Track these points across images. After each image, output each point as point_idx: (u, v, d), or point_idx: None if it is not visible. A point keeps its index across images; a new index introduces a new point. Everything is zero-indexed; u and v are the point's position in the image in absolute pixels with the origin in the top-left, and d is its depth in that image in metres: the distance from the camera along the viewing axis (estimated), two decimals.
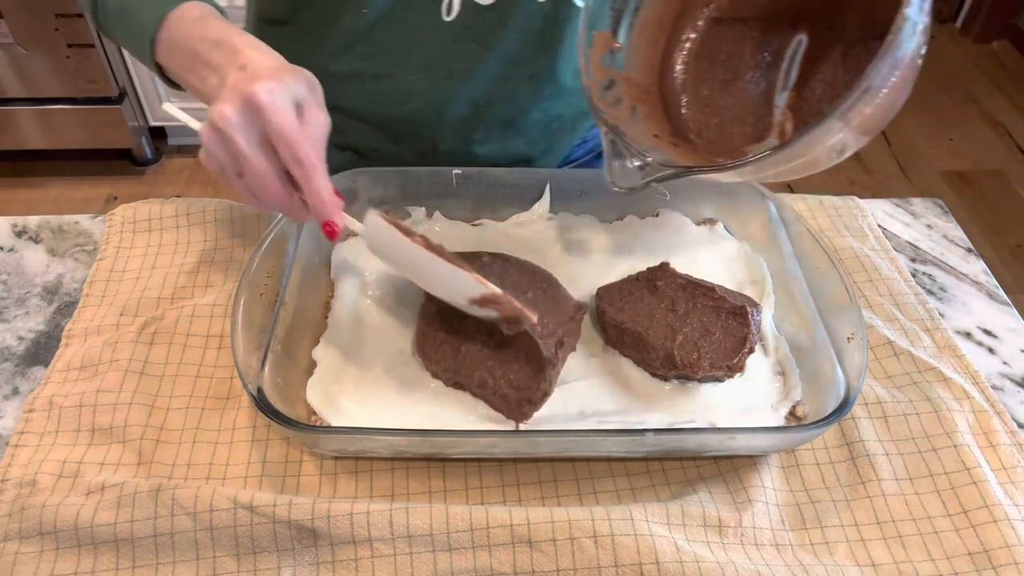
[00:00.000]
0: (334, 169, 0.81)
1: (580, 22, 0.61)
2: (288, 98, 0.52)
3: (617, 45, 0.62)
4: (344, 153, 0.83)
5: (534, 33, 0.72)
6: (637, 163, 0.56)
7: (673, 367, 0.60)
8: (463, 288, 0.58)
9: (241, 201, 0.73)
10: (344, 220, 0.57)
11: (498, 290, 0.57)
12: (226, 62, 0.55)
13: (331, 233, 0.56)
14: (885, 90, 0.43)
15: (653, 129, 0.60)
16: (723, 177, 0.53)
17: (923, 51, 0.44)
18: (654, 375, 0.62)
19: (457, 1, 0.68)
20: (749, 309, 0.62)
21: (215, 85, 0.55)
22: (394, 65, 0.73)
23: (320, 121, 0.54)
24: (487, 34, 0.71)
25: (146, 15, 0.60)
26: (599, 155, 0.94)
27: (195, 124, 0.57)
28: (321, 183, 0.54)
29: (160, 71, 0.62)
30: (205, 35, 0.57)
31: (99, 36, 1.93)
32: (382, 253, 0.61)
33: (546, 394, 0.59)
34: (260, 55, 0.55)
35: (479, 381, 0.59)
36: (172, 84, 0.63)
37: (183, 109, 0.62)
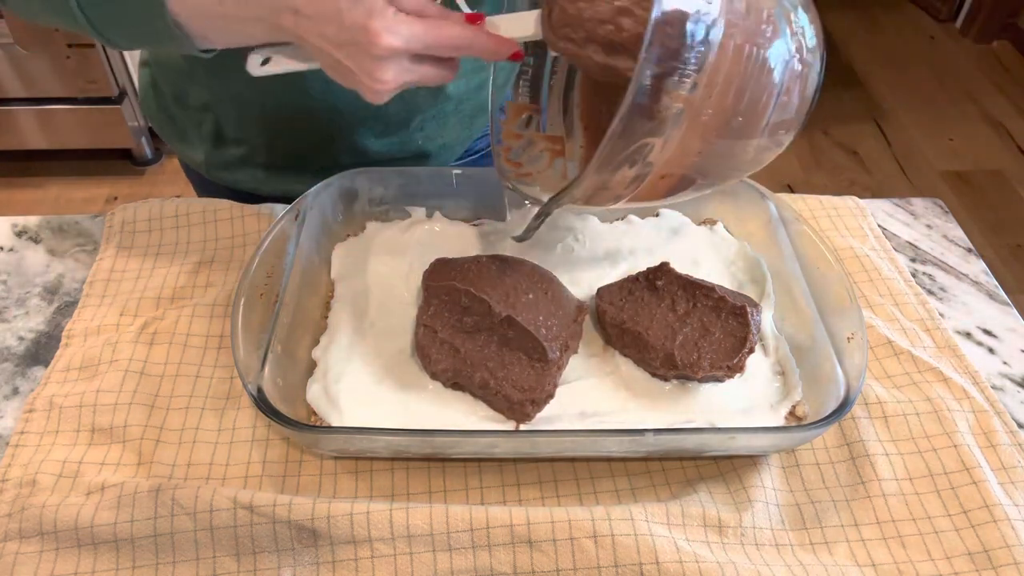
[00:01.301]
0: (224, 163, 0.83)
1: (488, 97, 0.65)
2: (393, 16, 0.52)
3: (536, 107, 0.67)
4: (238, 148, 0.82)
5: None
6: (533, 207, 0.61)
7: (673, 367, 0.60)
8: None
9: None
10: (515, 37, 0.57)
11: None
12: (279, 15, 0.53)
13: (518, 58, 0.57)
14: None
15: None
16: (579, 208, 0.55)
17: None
18: (654, 375, 0.62)
19: None
20: (749, 309, 0.62)
21: (280, 36, 0.55)
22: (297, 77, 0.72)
23: None
24: None
25: None
26: None
27: (305, 67, 0.58)
28: (484, 42, 0.55)
29: (176, 28, 0.57)
30: None
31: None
32: None
33: (549, 396, 0.59)
34: None
35: (480, 382, 0.59)
36: (182, 45, 0.59)
37: (275, 57, 0.59)
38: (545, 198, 0.58)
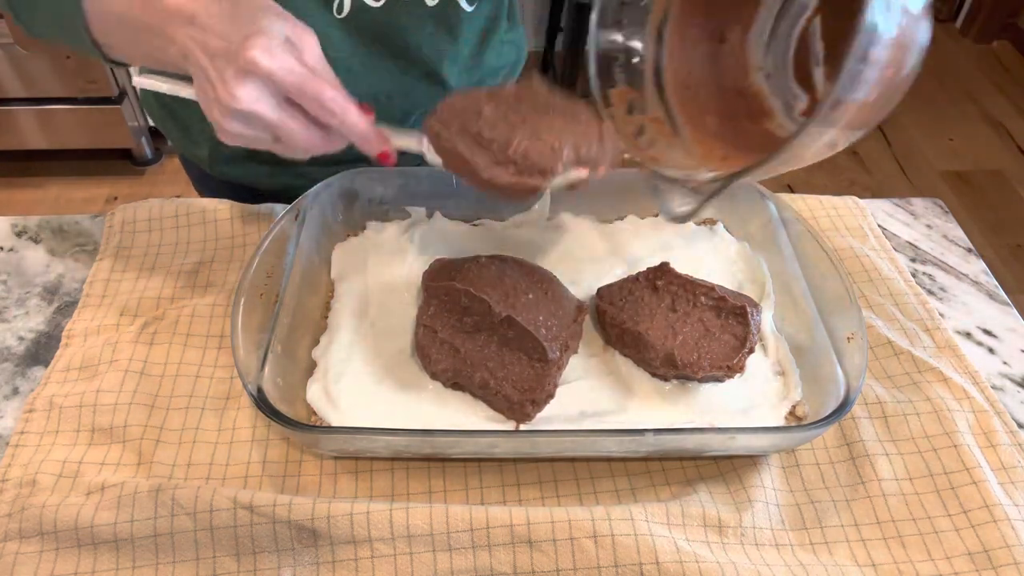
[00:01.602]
0: (228, 158, 0.83)
1: (594, 88, 0.62)
2: (282, 47, 0.50)
3: (635, 91, 0.63)
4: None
5: (426, 35, 0.74)
6: (686, 190, 0.58)
7: (673, 367, 0.60)
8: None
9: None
10: (394, 143, 0.57)
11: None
12: (174, 24, 0.52)
13: (386, 159, 0.56)
14: (858, 95, 0.43)
15: (695, 151, 0.61)
16: (754, 177, 0.53)
17: (917, 31, 0.44)
18: (654, 375, 0.62)
19: (347, 1, 0.70)
20: (749, 309, 0.62)
21: (177, 54, 0.52)
22: None
23: (312, 44, 0.53)
24: (379, 32, 0.73)
25: None
26: None
27: (183, 91, 0.56)
28: (355, 119, 0.53)
29: (99, 49, 0.58)
30: None
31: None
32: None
33: (550, 396, 0.59)
34: (207, 6, 0.52)
35: (480, 382, 0.59)
36: (116, 63, 0.60)
37: (154, 75, 0.58)
38: (682, 176, 0.57)
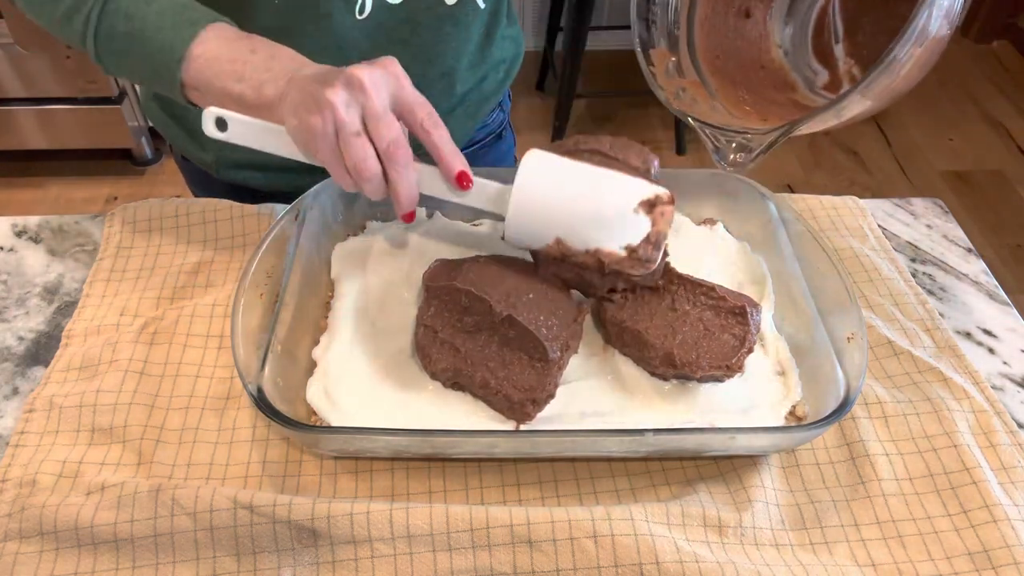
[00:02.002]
0: (236, 161, 0.85)
1: (636, 47, 0.64)
2: (383, 77, 0.56)
3: (673, 58, 0.66)
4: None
5: (443, 34, 0.76)
6: (739, 143, 0.60)
7: (672, 366, 0.60)
8: (637, 191, 0.58)
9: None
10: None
11: (665, 191, 0.58)
12: (284, 70, 0.59)
13: (464, 179, 0.59)
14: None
15: (735, 113, 0.63)
16: (813, 126, 0.54)
17: None
18: (653, 374, 0.62)
19: (368, 1, 0.71)
20: (749, 309, 0.62)
21: (272, 95, 0.58)
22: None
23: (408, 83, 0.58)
24: (399, 32, 0.74)
25: (172, 35, 0.61)
26: (499, 135, 0.98)
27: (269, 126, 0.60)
28: (409, 181, 0.57)
29: (180, 88, 0.63)
30: (256, 47, 0.61)
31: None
32: (536, 194, 0.59)
33: (550, 395, 0.59)
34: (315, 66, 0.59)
35: (481, 381, 0.59)
36: (187, 102, 0.64)
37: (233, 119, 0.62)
38: (732, 129, 0.59)
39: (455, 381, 0.61)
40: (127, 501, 0.53)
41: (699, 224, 0.77)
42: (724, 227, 0.76)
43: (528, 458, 0.59)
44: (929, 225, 0.84)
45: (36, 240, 0.79)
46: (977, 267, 0.79)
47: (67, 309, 0.71)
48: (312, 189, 0.70)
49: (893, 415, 0.62)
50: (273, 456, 0.59)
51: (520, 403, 0.58)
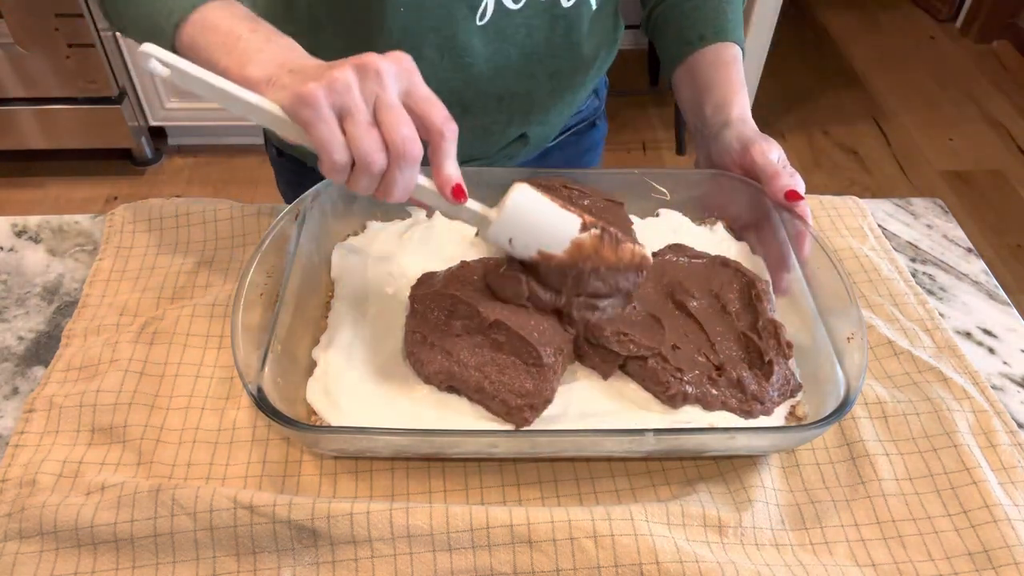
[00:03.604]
0: None
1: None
2: (396, 64, 0.52)
3: None
4: None
5: (557, 36, 0.76)
6: None
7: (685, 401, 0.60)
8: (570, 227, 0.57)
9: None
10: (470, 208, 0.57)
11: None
12: (275, 55, 0.54)
13: (459, 193, 0.55)
14: None
15: None
16: None
17: None
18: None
19: (490, 6, 0.71)
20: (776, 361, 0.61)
21: (255, 76, 0.54)
22: (431, 64, 0.74)
23: (420, 79, 0.54)
24: (515, 35, 0.74)
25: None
26: (592, 123, 0.98)
27: (214, 80, 0.53)
28: (410, 171, 0.52)
29: (173, 51, 0.59)
30: (257, 28, 0.57)
31: (99, 29, 1.93)
32: (509, 229, 0.58)
33: (548, 401, 0.58)
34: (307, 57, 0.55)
35: (476, 386, 0.58)
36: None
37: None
38: None
39: (449, 385, 0.60)
40: (127, 501, 0.53)
41: (699, 224, 0.77)
42: (724, 227, 0.76)
43: (528, 458, 0.59)
44: (929, 225, 0.84)
45: (36, 240, 0.79)
46: (977, 267, 0.79)
47: (67, 309, 0.71)
48: (312, 189, 0.70)
49: (893, 415, 0.62)
50: (273, 456, 0.59)
51: (518, 408, 0.57)
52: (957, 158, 2.40)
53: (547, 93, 0.81)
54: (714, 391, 0.59)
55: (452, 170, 0.54)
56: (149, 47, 0.52)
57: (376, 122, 0.51)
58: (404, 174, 0.52)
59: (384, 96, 0.50)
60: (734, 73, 0.77)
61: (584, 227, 0.57)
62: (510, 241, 0.58)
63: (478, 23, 0.72)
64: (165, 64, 0.52)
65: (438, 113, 0.52)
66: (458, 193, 0.54)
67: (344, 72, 0.49)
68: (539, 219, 0.57)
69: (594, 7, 0.77)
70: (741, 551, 0.53)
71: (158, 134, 2.29)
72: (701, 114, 0.77)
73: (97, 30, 1.92)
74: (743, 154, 0.70)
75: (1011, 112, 2.58)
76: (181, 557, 0.52)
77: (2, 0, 1.83)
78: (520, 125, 0.83)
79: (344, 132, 0.50)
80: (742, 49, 0.79)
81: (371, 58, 0.50)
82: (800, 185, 0.67)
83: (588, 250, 0.58)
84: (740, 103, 0.74)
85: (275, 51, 0.55)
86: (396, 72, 0.51)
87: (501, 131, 0.83)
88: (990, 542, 0.54)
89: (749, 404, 0.59)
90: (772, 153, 0.69)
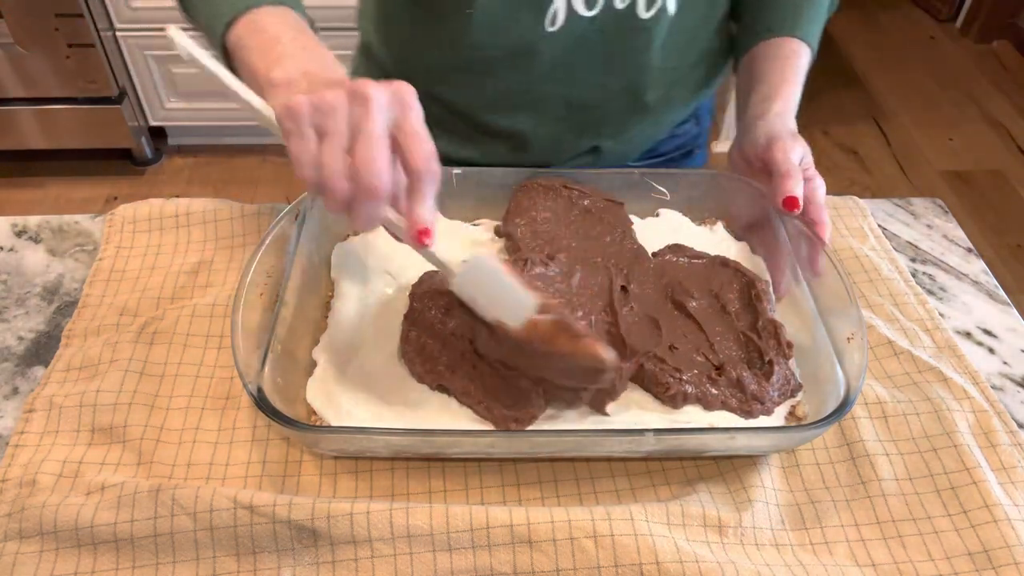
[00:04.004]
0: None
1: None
2: (388, 97, 0.50)
3: None
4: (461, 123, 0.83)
5: (632, 46, 0.75)
6: None
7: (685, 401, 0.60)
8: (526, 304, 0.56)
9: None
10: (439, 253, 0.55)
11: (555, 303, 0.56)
12: (305, 64, 0.54)
13: (424, 236, 0.51)
14: None
15: None
16: None
17: None
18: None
19: (562, 13, 0.71)
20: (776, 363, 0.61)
21: (277, 78, 0.54)
22: (499, 66, 0.75)
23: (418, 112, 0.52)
24: (588, 43, 0.73)
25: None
26: (689, 152, 0.95)
27: (224, 75, 0.54)
28: (367, 194, 0.49)
29: (221, 49, 0.61)
30: (299, 36, 0.58)
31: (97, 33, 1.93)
32: (471, 288, 0.57)
33: (534, 418, 0.58)
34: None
35: (462, 389, 0.58)
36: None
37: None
38: None
39: (439, 384, 0.60)
40: (127, 501, 0.53)
41: (699, 224, 0.77)
42: (724, 227, 0.76)
43: (528, 458, 0.59)
44: (929, 225, 0.84)
45: (36, 240, 0.79)
46: (977, 267, 0.79)
47: (67, 309, 0.71)
48: None
49: (893, 415, 0.62)
50: (273, 456, 0.59)
51: (502, 418, 0.57)
52: (957, 158, 2.40)
53: (621, 108, 0.80)
54: (714, 391, 0.59)
55: (423, 213, 0.50)
56: (172, 31, 0.54)
57: (350, 150, 0.49)
58: (365, 206, 0.49)
59: (365, 125, 0.48)
60: (789, 68, 0.74)
61: (543, 309, 0.55)
62: (473, 299, 0.57)
63: (548, 29, 0.71)
64: (185, 49, 0.54)
65: (421, 151, 0.49)
66: (422, 236, 0.51)
67: (336, 94, 0.48)
68: (495, 291, 0.56)
69: (671, 13, 0.73)
70: (741, 551, 0.53)
71: (158, 134, 2.29)
72: (746, 104, 0.75)
73: (97, 30, 1.92)
74: (766, 149, 0.68)
75: (1011, 112, 2.58)
76: (181, 557, 0.52)
77: (2, 0, 1.83)
78: (592, 138, 0.82)
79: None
80: (812, 49, 0.76)
81: (365, 85, 0.49)
82: (818, 189, 0.66)
83: (543, 333, 0.54)
84: (784, 98, 0.72)
85: (305, 59, 0.55)
86: (387, 102, 0.49)
87: (572, 142, 0.82)
88: (990, 542, 0.54)
89: (749, 404, 0.59)
90: (794, 152, 0.66)
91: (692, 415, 0.59)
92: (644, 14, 0.72)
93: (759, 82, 0.75)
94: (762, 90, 0.74)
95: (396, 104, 0.49)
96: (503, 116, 0.80)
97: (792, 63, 0.75)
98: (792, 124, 0.71)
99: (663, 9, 0.72)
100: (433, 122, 0.52)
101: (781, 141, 0.67)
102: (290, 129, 0.49)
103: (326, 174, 0.48)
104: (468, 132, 0.82)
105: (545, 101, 0.78)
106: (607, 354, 0.54)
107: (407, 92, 0.50)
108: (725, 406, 0.59)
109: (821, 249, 0.63)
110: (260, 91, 0.55)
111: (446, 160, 0.53)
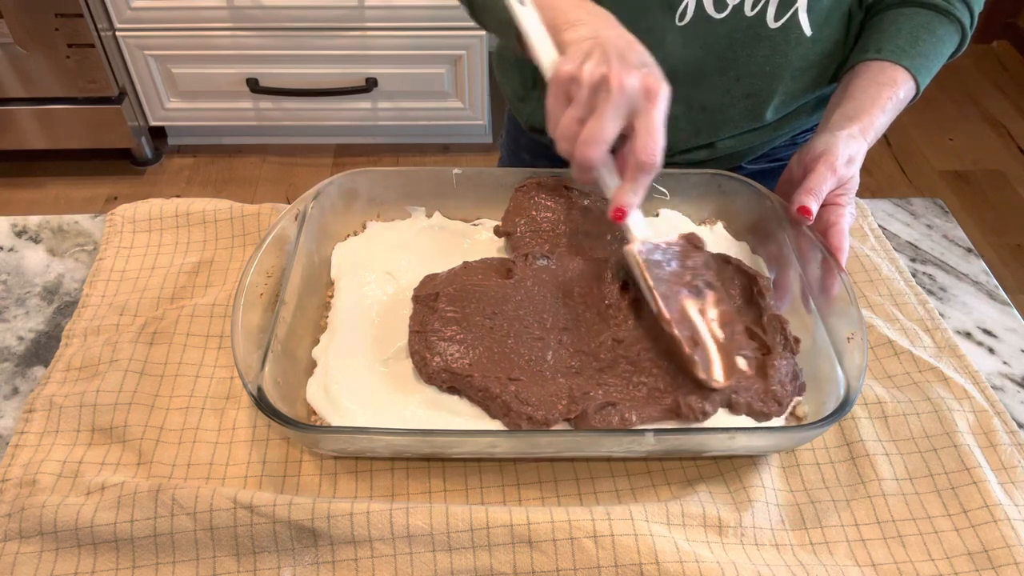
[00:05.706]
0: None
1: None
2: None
3: None
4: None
5: (759, 56, 0.75)
6: None
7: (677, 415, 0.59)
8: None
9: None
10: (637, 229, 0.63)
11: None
12: (597, 25, 0.61)
13: (620, 215, 0.61)
14: None
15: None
16: None
17: None
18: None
19: (691, 9, 0.72)
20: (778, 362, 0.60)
21: (568, 39, 0.60)
22: None
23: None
24: (715, 45, 0.74)
25: None
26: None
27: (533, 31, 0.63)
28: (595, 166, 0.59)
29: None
30: (593, 7, 0.63)
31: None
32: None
33: (548, 422, 0.57)
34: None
35: (479, 385, 0.58)
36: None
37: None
38: None
39: (451, 385, 0.60)
40: (127, 501, 0.53)
41: (699, 224, 0.77)
42: (724, 227, 0.76)
43: (528, 458, 0.59)
44: (929, 225, 0.84)
45: (36, 240, 0.79)
46: (977, 267, 0.79)
47: (67, 309, 0.71)
48: (312, 189, 0.70)
49: (893, 415, 0.62)
50: (273, 456, 0.59)
51: (518, 415, 0.56)
52: (957, 158, 2.40)
53: (742, 113, 0.80)
54: (741, 398, 0.59)
55: (628, 196, 0.60)
56: None
57: (582, 121, 0.57)
58: (579, 166, 0.59)
59: (602, 107, 0.56)
60: (884, 95, 0.71)
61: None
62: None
63: (677, 23, 0.73)
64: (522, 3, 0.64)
65: (648, 145, 0.57)
66: (618, 213, 0.61)
67: (595, 72, 0.56)
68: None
69: (808, 34, 0.73)
70: (741, 551, 0.53)
71: (158, 134, 2.29)
72: (829, 116, 0.72)
73: (97, 30, 1.92)
74: (814, 159, 0.66)
75: (1011, 112, 2.58)
76: (181, 557, 0.52)
77: (2, 0, 1.83)
78: (708, 136, 0.82)
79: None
80: (917, 85, 0.73)
81: (625, 72, 0.56)
82: (845, 216, 0.65)
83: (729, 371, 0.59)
84: (864, 124, 0.69)
85: (593, 22, 0.61)
86: (636, 91, 0.56)
87: (687, 139, 0.82)
88: (990, 542, 0.54)
89: (768, 406, 0.58)
90: (840, 169, 0.65)
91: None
92: (773, 24, 0.73)
93: (849, 99, 0.72)
94: (848, 108, 0.70)
95: (643, 94, 0.56)
96: None
97: (889, 91, 0.71)
98: (856, 150, 0.67)
99: (795, 24, 0.73)
100: None
101: (832, 153, 0.65)
102: (551, 90, 0.59)
103: (559, 134, 0.59)
104: None
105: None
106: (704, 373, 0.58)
107: (657, 85, 0.57)
108: (750, 409, 0.58)
109: (838, 275, 0.62)
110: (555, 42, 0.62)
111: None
